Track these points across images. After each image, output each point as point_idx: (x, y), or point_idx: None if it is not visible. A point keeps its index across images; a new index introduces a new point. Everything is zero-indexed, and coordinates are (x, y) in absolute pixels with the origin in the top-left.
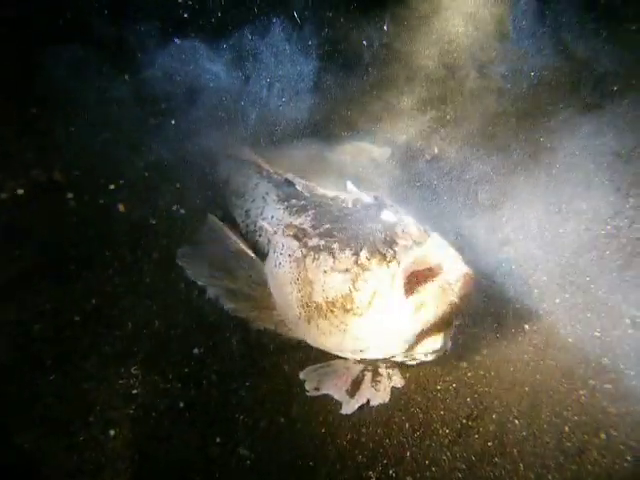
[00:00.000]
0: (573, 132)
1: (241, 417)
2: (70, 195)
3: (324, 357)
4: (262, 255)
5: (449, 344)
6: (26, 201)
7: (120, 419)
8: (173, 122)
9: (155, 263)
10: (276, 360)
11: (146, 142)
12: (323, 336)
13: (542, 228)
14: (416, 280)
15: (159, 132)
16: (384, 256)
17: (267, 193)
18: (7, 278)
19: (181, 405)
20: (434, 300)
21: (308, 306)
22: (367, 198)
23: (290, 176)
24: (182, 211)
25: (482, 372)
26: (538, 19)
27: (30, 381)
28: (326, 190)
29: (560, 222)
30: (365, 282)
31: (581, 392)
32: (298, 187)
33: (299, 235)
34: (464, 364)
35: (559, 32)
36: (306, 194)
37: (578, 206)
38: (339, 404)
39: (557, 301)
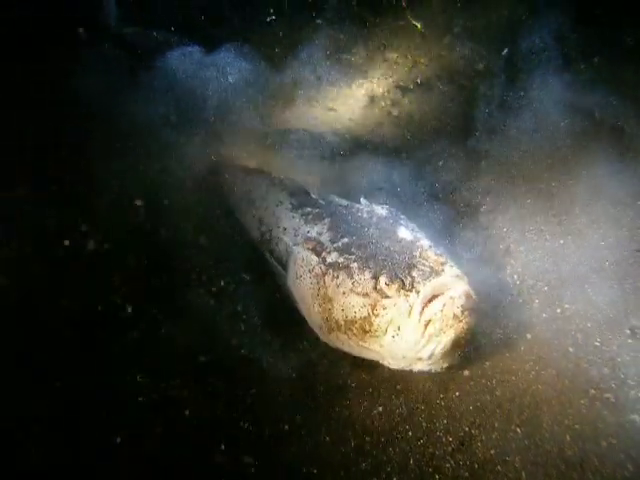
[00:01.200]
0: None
1: (246, 425)
2: None
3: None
4: (279, 261)
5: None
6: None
7: (126, 426)
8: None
9: (161, 269)
10: (281, 368)
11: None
12: (343, 346)
13: (543, 239)
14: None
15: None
16: (403, 284)
17: (280, 201)
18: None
19: (187, 413)
20: (439, 317)
21: (328, 320)
22: (381, 210)
23: (302, 183)
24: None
25: (484, 381)
26: None
27: (35, 389)
28: (339, 199)
29: (561, 233)
30: (384, 309)
31: (582, 401)
32: (312, 195)
33: (318, 249)
34: (467, 373)
35: None
36: (320, 201)
37: (578, 218)
38: (343, 412)
39: (558, 311)
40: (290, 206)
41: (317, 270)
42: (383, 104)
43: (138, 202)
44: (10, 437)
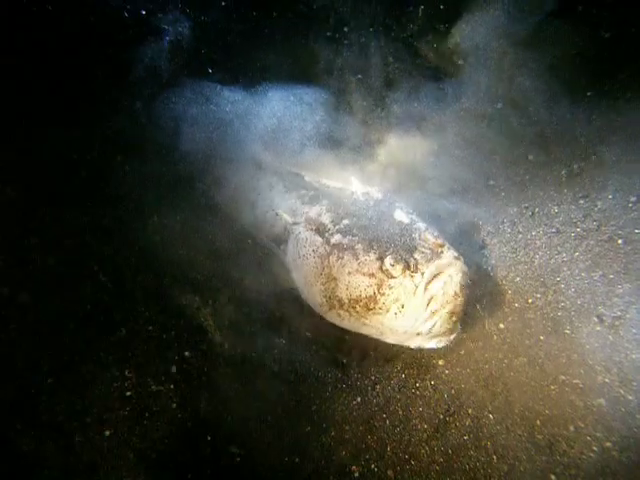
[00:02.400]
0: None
1: (230, 417)
2: None
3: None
4: (277, 241)
5: (459, 329)
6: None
7: (115, 420)
8: None
9: (147, 269)
10: (263, 361)
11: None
12: (342, 322)
13: (515, 231)
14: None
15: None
16: (408, 265)
17: (272, 185)
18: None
19: (173, 406)
20: (440, 294)
21: (331, 299)
22: (375, 193)
23: (294, 167)
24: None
25: (459, 369)
26: None
27: (27, 385)
28: (331, 181)
29: (533, 225)
30: (390, 289)
31: (552, 387)
32: (305, 177)
33: (321, 230)
34: (441, 362)
35: None
36: (314, 184)
37: (550, 210)
38: (323, 403)
39: (530, 301)
40: (284, 189)
41: (321, 250)
42: None
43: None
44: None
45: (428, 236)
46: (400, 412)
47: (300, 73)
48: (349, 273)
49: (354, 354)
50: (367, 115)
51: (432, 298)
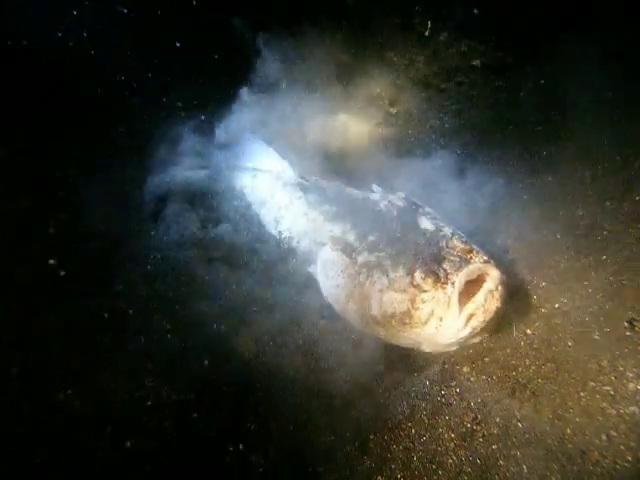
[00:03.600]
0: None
1: (252, 426)
2: None
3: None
4: (302, 259)
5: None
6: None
7: (135, 430)
8: None
9: (167, 279)
10: (285, 369)
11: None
12: (380, 335)
13: (540, 234)
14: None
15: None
16: (438, 277)
17: (296, 199)
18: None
19: (194, 415)
20: (482, 310)
21: (365, 316)
22: (397, 200)
23: (314, 179)
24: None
25: (485, 377)
26: None
27: (46, 396)
28: (351, 189)
29: (557, 228)
30: (423, 303)
31: (581, 394)
32: (326, 191)
33: (347, 250)
34: (466, 369)
35: None
36: (337, 196)
37: (576, 212)
38: (346, 411)
39: (556, 306)
40: (306, 204)
41: (350, 270)
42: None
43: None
44: (22, 441)
45: (456, 242)
46: (426, 421)
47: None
48: (380, 291)
49: (377, 363)
50: None
51: (473, 315)
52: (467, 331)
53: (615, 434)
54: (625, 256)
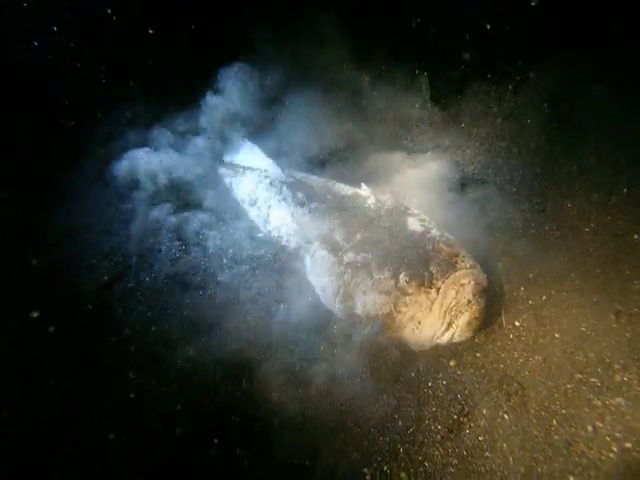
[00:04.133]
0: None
1: (237, 419)
2: None
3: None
4: (291, 257)
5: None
6: None
7: (119, 423)
8: None
9: (150, 269)
10: (269, 362)
11: None
12: (365, 330)
13: (527, 227)
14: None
15: None
16: (422, 280)
17: (284, 198)
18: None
19: (178, 408)
20: (462, 317)
21: (350, 315)
22: (386, 200)
23: (301, 175)
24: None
25: (472, 370)
26: None
27: (29, 388)
28: (340, 186)
29: (545, 221)
30: (406, 306)
31: (568, 386)
32: (314, 188)
33: (334, 248)
34: (453, 362)
35: None
36: (325, 194)
37: (563, 205)
38: (331, 403)
39: (544, 298)
40: (294, 202)
41: (336, 269)
42: None
43: None
44: (8, 434)
45: (442, 246)
46: (412, 413)
47: None
48: (364, 292)
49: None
50: None
51: (447, 310)
52: (446, 337)
53: (601, 425)
54: (612, 249)
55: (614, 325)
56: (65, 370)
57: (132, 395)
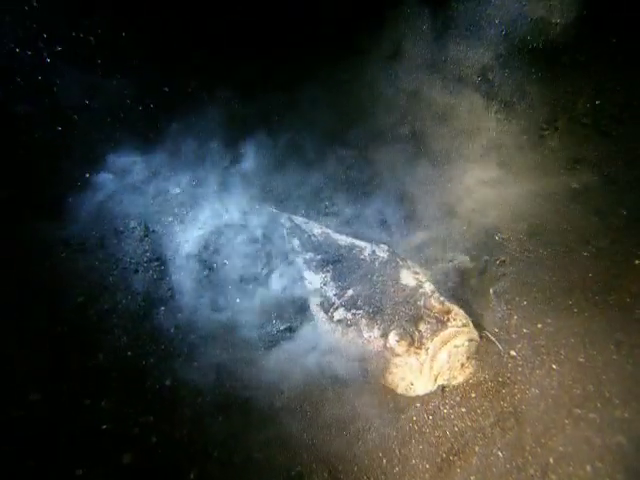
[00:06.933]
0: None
1: (215, 452)
2: None
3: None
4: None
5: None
6: None
7: (88, 457)
8: None
9: (127, 293)
10: (249, 394)
11: None
12: None
13: (522, 249)
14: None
15: None
16: (412, 340)
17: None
18: None
19: (153, 440)
20: (457, 380)
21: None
22: (381, 252)
23: (300, 220)
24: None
25: (464, 410)
26: None
27: None
28: (338, 235)
29: (541, 243)
30: (397, 367)
31: (566, 421)
32: (312, 237)
33: (325, 305)
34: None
35: None
36: (321, 244)
37: (560, 227)
38: (315, 441)
39: (539, 326)
40: (290, 249)
41: (326, 327)
42: None
43: None
44: None
45: (433, 302)
46: (397, 451)
47: None
48: (355, 350)
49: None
50: None
51: (439, 374)
52: (434, 387)
53: (600, 465)
54: (612, 274)
55: (614, 356)
56: (31, 399)
57: (104, 426)
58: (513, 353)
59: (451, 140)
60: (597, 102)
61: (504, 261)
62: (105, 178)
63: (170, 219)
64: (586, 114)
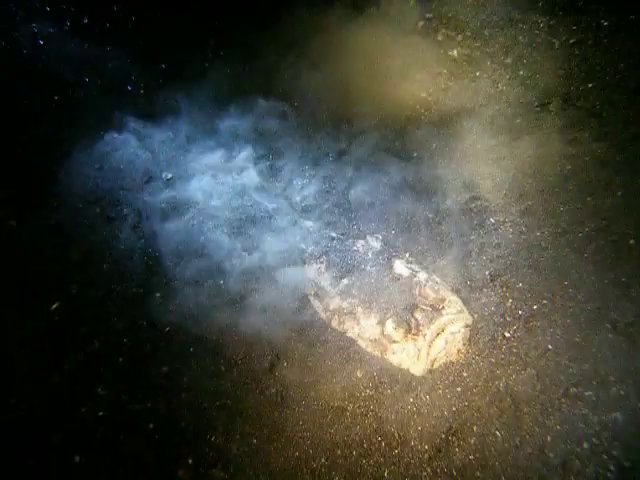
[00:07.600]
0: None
1: (213, 438)
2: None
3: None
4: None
5: None
6: None
7: (86, 443)
8: None
9: (122, 279)
10: (247, 381)
11: None
12: None
13: (517, 231)
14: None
15: None
16: (409, 327)
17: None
18: None
19: (151, 426)
20: (447, 358)
21: None
22: (374, 242)
23: (296, 214)
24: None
25: (459, 389)
26: None
27: None
28: (332, 231)
29: (536, 225)
30: (393, 354)
31: (563, 400)
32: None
33: (320, 294)
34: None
35: None
36: (315, 235)
37: (555, 209)
38: (311, 427)
39: (535, 307)
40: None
41: (323, 315)
42: None
43: None
44: None
45: (428, 291)
46: (396, 433)
47: None
48: (352, 338)
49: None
50: None
51: (435, 359)
52: (430, 368)
53: (597, 442)
54: (607, 254)
55: (610, 335)
56: (29, 386)
57: (101, 413)
58: (507, 334)
59: (441, 122)
60: (590, 85)
61: (499, 244)
62: (101, 153)
63: (163, 206)
64: (579, 96)
